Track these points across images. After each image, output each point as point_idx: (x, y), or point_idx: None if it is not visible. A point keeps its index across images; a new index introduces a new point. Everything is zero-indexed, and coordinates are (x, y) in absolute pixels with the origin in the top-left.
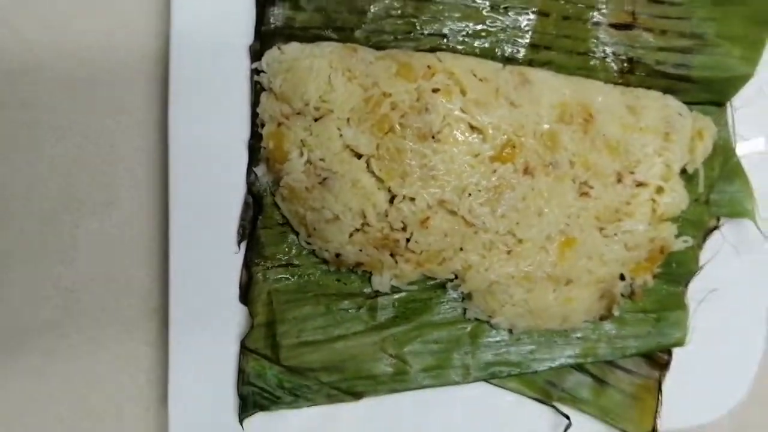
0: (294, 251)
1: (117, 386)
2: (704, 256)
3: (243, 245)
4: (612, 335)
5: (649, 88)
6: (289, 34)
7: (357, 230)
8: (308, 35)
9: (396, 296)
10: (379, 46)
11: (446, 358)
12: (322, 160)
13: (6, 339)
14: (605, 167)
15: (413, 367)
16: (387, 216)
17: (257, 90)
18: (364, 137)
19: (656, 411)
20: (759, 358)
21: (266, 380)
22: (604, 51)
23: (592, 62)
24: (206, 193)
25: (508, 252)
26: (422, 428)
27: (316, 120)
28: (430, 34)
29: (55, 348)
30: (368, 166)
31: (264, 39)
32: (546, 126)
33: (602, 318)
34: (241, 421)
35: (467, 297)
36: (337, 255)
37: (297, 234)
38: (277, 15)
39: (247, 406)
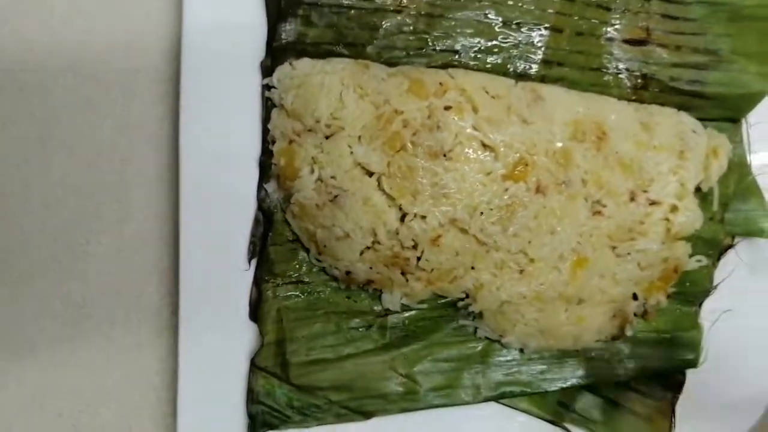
0: (304, 268)
1: (127, 402)
2: (719, 275)
3: (253, 262)
4: (624, 355)
5: (663, 104)
6: (301, 49)
7: (367, 248)
8: (320, 51)
9: (406, 315)
10: (390, 62)
11: (456, 377)
12: (333, 177)
13: (16, 353)
14: (618, 186)
15: (423, 386)
16: (398, 234)
17: (268, 106)
18: (376, 155)
19: None
20: None
21: (275, 399)
22: (617, 67)
23: (605, 78)
24: (217, 210)
25: (520, 271)
26: None
27: (327, 137)
28: (442, 50)
29: (65, 362)
30: (379, 183)
31: (275, 55)
32: (559, 144)
33: (614, 338)
34: None
35: (478, 316)
36: (348, 273)
37: (307, 251)
38: (289, 31)
39: (257, 425)
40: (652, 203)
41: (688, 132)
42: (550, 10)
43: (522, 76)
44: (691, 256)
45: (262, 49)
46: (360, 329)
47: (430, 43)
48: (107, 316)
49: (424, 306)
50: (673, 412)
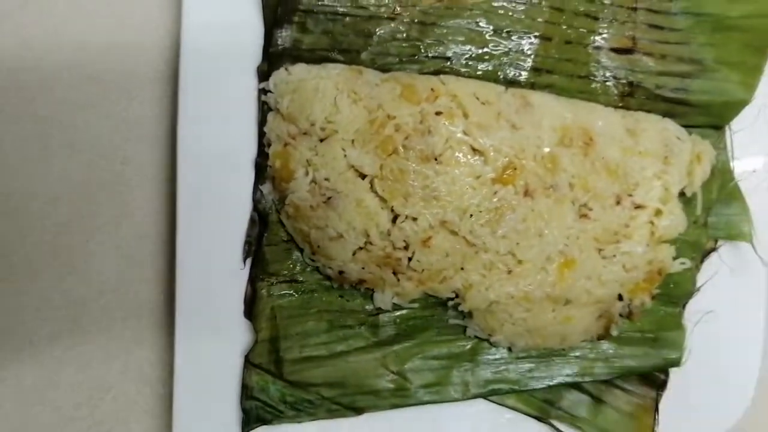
0: (298, 268)
1: (124, 396)
2: (701, 277)
3: (248, 261)
4: (610, 355)
5: (648, 111)
6: (297, 55)
7: (360, 248)
8: (315, 57)
9: (397, 314)
10: (384, 69)
11: (446, 375)
12: (326, 179)
13: (14, 349)
14: (604, 190)
15: (413, 383)
16: (390, 235)
17: (264, 110)
18: (368, 158)
19: (653, 430)
20: (755, 380)
21: (269, 394)
22: (604, 75)
23: (593, 86)
24: (213, 210)
25: (509, 272)
26: None
27: (321, 140)
28: (434, 57)
29: (63, 359)
30: (372, 186)
31: (272, 60)
32: (547, 149)
33: (600, 338)
34: None
35: (467, 315)
36: (341, 272)
37: (301, 251)
38: (285, 37)
39: (250, 419)
40: (638, 207)
41: (673, 138)
42: (540, 19)
43: (512, 83)
44: (675, 258)
45: (259, 52)
46: (352, 327)
47: (422, 50)
48: (106, 313)
49: (415, 305)
50: (656, 409)
